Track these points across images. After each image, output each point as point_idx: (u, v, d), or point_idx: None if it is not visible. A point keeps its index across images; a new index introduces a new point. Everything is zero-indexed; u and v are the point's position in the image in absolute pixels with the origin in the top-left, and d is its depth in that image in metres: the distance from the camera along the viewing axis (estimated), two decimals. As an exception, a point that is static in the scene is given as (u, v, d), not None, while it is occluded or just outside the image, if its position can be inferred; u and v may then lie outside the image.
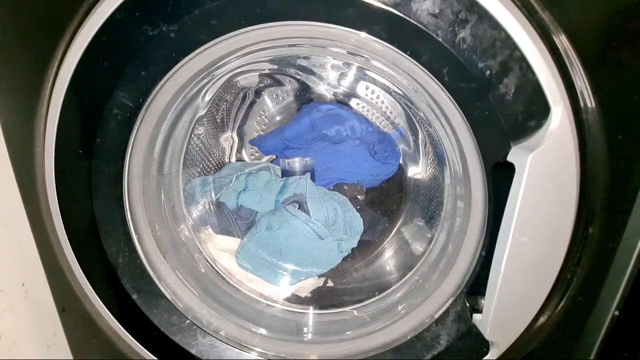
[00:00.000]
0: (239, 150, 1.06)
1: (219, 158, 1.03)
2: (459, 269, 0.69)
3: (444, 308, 0.70)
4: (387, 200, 1.03)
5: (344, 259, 0.91)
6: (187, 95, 0.72)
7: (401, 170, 1.01)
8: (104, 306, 0.72)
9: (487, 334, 0.65)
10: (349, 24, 0.54)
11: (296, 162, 0.96)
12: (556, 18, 0.51)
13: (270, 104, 1.02)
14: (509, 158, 0.55)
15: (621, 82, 0.53)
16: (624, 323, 0.64)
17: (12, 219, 0.69)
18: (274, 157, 1.06)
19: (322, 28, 0.55)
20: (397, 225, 1.02)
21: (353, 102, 1.00)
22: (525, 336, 0.66)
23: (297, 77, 0.96)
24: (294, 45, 0.67)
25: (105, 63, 0.58)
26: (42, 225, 0.70)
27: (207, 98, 0.83)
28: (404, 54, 0.54)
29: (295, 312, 0.87)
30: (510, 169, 0.54)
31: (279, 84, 0.99)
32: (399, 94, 0.88)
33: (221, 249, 0.90)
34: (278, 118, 1.04)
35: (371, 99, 0.98)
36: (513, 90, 0.52)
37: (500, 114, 0.53)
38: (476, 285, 0.66)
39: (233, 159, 1.06)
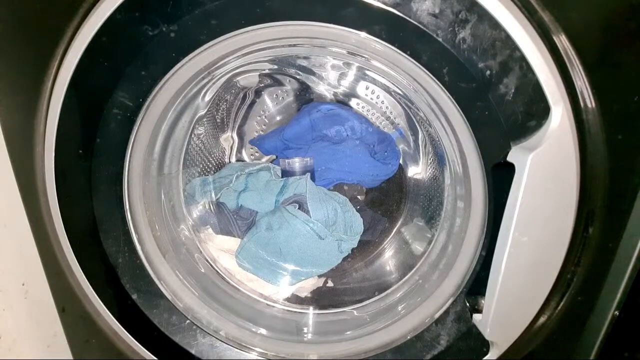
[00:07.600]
0: (239, 150, 1.06)
1: (219, 158, 1.03)
2: (459, 269, 0.69)
3: (444, 308, 0.70)
4: (387, 201, 1.03)
5: (344, 259, 0.91)
6: (187, 95, 0.72)
7: (401, 170, 1.01)
8: (104, 306, 0.72)
9: (487, 334, 0.65)
10: (349, 24, 0.54)
11: (296, 162, 0.96)
12: (556, 18, 0.51)
13: (270, 104, 1.02)
14: (509, 158, 0.55)
15: (621, 82, 0.53)
16: (624, 323, 0.64)
17: (12, 219, 0.69)
18: (274, 157, 1.06)
19: (322, 28, 0.55)
20: (397, 225, 1.02)
21: (353, 102, 1.00)
22: (525, 336, 0.66)
23: (297, 77, 0.96)
24: (294, 45, 0.67)
25: (105, 63, 0.58)
26: (42, 225, 0.70)
27: (207, 98, 0.83)
28: (404, 54, 0.54)
29: (295, 312, 0.87)
30: (510, 169, 0.54)
31: (279, 84, 0.99)
32: (399, 94, 0.88)
33: (221, 249, 0.90)
34: (278, 118, 1.04)
35: (371, 99, 0.98)
36: (513, 90, 0.52)
37: (500, 114, 0.53)
38: (476, 285, 0.66)
39: (233, 159, 1.06)
